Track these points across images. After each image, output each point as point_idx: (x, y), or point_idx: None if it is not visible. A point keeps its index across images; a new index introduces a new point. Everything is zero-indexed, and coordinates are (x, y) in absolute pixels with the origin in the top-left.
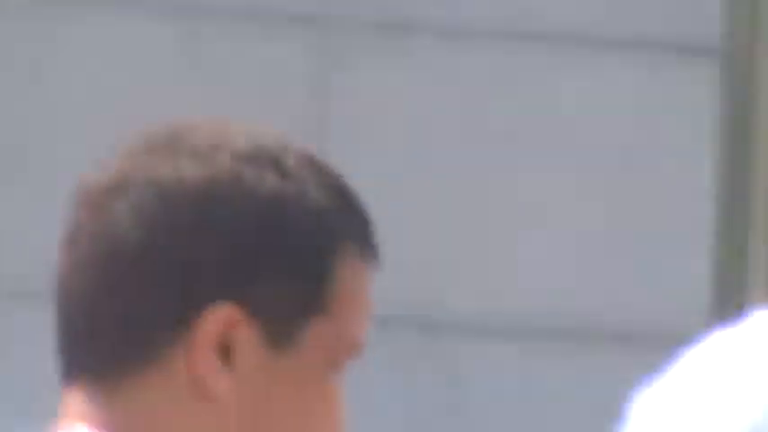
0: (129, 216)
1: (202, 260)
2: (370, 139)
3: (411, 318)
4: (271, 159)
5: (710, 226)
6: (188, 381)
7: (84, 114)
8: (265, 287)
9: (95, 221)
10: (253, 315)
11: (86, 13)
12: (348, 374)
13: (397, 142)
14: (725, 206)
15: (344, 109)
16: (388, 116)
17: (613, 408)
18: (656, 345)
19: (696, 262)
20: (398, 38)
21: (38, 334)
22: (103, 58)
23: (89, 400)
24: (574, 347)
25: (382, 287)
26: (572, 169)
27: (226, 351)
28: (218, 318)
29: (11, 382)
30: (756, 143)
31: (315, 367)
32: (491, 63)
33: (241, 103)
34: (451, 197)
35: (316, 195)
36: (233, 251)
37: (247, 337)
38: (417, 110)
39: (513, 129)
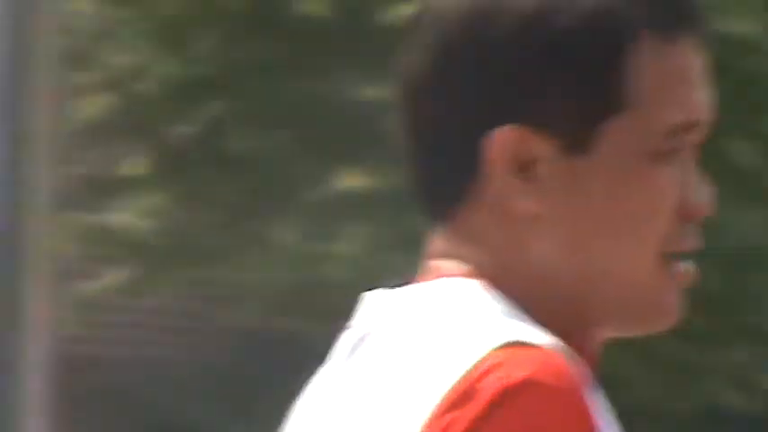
0: (418, 45)
1: (481, 84)
2: None
3: None
4: None
5: None
6: (493, 204)
7: None
8: (552, 100)
9: (406, 54)
10: (544, 129)
11: None
12: None
13: None
14: None
15: None
16: None
17: None
18: None
19: None
20: None
21: None
22: None
23: (437, 235)
24: None
25: None
26: None
27: (524, 170)
28: (509, 138)
29: None
30: None
31: (623, 165)
32: None
33: None
34: None
35: None
36: (507, 69)
37: (543, 153)
38: None
39: None
